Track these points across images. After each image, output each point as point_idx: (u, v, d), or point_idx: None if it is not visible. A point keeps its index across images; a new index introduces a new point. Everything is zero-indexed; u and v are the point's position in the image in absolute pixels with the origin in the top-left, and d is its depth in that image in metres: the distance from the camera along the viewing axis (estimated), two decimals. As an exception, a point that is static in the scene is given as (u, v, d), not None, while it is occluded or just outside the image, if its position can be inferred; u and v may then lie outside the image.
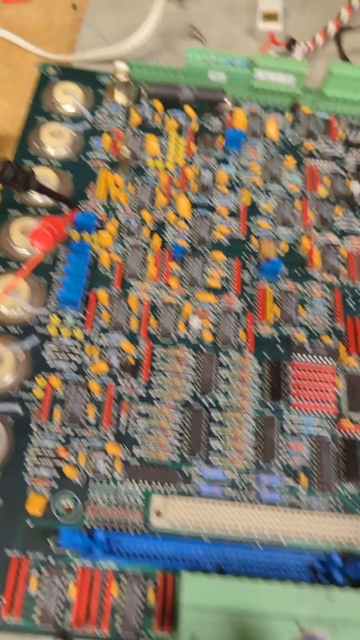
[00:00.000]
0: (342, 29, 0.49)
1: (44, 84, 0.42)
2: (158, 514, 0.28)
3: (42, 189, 0.33)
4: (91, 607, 0.26)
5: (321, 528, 0.27)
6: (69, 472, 0.28)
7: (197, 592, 0.23)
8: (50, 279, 0.34)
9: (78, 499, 0.28)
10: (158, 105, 0.42)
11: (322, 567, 0.26)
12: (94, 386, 0.31)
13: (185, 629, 0.23)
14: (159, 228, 0.37)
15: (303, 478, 0.30)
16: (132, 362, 0.31)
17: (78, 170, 0.38)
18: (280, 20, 0.49)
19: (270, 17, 0.49)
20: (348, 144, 0.42)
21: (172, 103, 0.42)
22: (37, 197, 0.36)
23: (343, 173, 0.41)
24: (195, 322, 0.33)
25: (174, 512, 0.27)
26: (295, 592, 0.24)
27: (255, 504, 0.28)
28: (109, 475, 0.29)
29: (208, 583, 0.23)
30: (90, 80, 0.43)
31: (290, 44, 0.46)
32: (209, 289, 0.35)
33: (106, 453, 0.29)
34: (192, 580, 0.23)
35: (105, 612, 0.26)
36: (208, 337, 0.33)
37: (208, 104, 0.42)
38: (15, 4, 0.51)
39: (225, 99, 0.42)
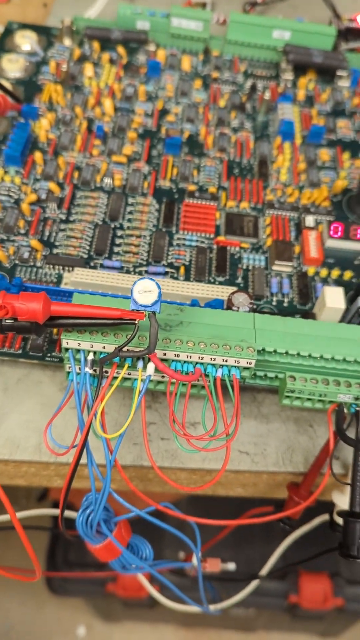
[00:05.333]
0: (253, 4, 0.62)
1: (8, 33, 0.54)
2: (66, 284, 0.36)
3: (-5, 81, 0.44)
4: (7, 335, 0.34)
5: (191, 290, 0.36)
6: (0, 255, 0.37)
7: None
8: (-1, 147, 0.44)
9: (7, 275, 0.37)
10: (96, 45, 0.53)
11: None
12: (26, 208, 0.40)
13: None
14: (88, 120, 0.47)
15: (182, 270, 0.39)
16: (57, 191, 0.41)
17: (29, 86, 0.49)
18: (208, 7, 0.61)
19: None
20: (246, 74, 0.53)
21: (106, 44, 0.53)
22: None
23: (240, 93, 0.52)
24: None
25: (78, 278, 0.36)
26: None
27: (141, 275, 0.37)
28: (32, 262, 0.38)
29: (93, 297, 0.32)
30: (45, 32, 0.55)
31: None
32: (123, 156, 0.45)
33: (31, 247, 0.38)
34: (80, 295, 0.32)
35: (19, 337, 0.34)
36: (118, 184, 0.43)
37: (135, 43, 0.54)
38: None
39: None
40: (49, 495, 0.76)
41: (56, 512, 0.42)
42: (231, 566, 0.41)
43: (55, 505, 0.71)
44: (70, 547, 0.69)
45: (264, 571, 0.40)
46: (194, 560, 0.37)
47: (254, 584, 0.41)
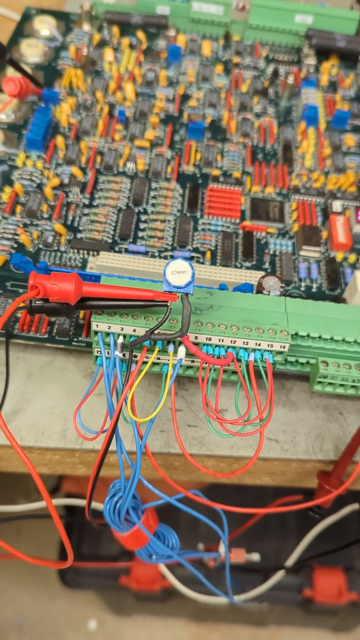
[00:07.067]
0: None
1: (26, 19, 0.53)
2: (91, 268, 0.36)
3: (14, 64, 0.43)
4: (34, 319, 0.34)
5: (218, 274, 0.35)
6: (24, 239, 0.36)
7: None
8: (20, 132, 0.43)
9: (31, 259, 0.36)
10: (115, 30, 0.52)
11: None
12: (49, 192, 0.39)
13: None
14: (109, 104, 0.46)
15: (208, 255, 0.38)
16: (80, 175, 0.40)
17: (48, 71, 0.49)
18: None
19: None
20: (268, 60, 0.52)
21: (126, 29, 0.53)
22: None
23: (261, 78, 0.51)
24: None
25: (104, 262, 0.35)
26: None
27: (166, 259, 0.36)
28: (56, 246, 0.37)
29: (121, 280, 0.31)
30: (63, 17, 0.54)
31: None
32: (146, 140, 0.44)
33: (55, 232, 0.38)
34: (108, 279, 0.31)
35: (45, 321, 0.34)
36: (141, 169, 0.42)
37: (155, 28, 0.53)
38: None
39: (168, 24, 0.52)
40: (61, 487, 0.75)
41: (82, 502, 0.42)
42: (255, 557, 0.40)
43: (68, 497, 0.71)
44: (84, 539, 0.69)
45: (290, 562, 0.40)
46: (221, 549, 0.36)
47: (279, 574, 0.41)
